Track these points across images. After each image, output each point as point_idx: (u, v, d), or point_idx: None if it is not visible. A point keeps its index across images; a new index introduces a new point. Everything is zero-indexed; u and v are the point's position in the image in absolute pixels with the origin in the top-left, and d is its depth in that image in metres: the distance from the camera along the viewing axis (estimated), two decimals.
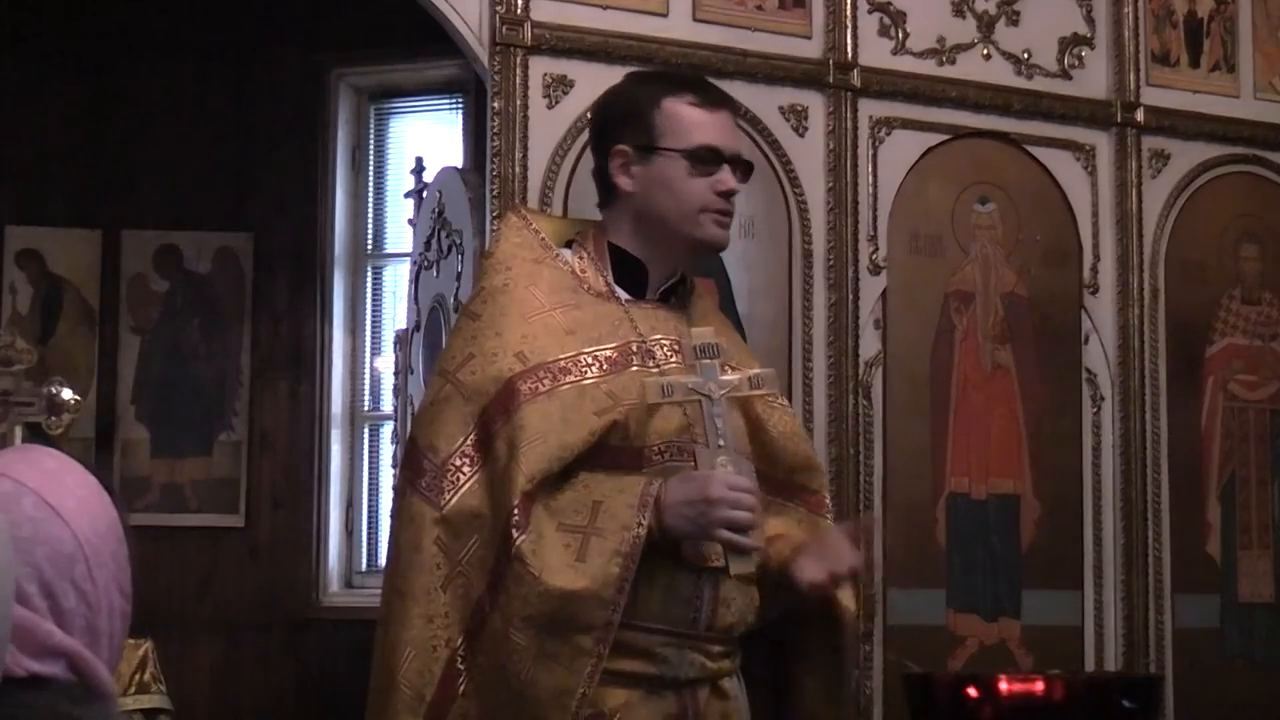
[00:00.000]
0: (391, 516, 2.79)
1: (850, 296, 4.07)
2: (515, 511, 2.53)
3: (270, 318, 6.21)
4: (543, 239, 2.84)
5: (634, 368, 2.70)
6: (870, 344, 4.10)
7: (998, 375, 4.25)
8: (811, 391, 4.01)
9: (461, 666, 2.60)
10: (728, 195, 2.81)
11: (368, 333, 6.27)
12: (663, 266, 2.84)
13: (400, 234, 6.03)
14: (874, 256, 4.13)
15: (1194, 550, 4.42)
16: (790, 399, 3.98)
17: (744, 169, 2.87)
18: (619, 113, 2.85)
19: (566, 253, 2.84)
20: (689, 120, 2.78)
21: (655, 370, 2.70)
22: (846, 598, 2.83)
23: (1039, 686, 3.50)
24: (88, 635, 1.37)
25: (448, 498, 2.63)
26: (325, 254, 6.20)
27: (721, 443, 2.66)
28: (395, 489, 2.80)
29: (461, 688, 2.60)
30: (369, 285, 6.30)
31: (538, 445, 2.57)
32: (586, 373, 2.66)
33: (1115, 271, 4.38)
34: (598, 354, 2.68)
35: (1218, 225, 4.54)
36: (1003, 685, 3.43)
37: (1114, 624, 4.28)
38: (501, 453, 2.59)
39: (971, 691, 3.39)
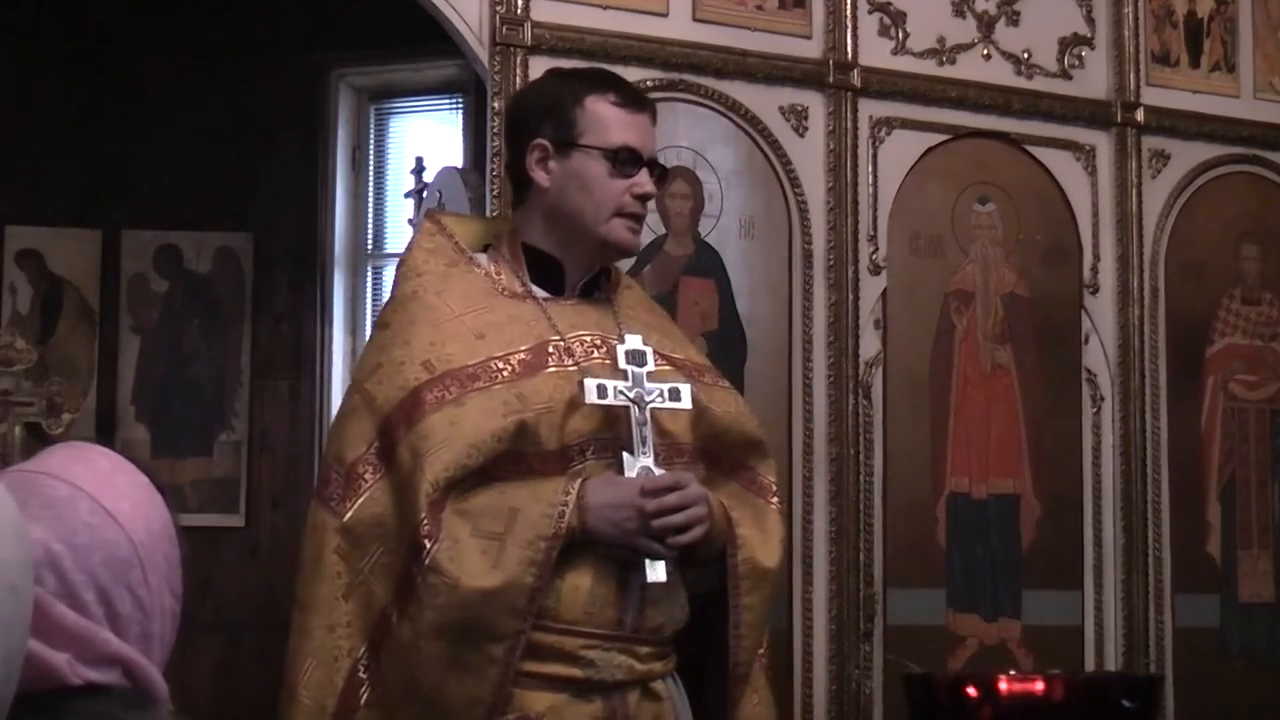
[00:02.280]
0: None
1: (850, 296, 4.07)
2: (424, 521, 2.50)
3: (270, 318, 6.21)
4: (456, 244, 2.79)
5: (550, 368, 2.65)
6: (870, 344, 4.10)
7: (998, 375, 4.25)
8: (811, 391, 4.01)
9: (364, 676, 2.57)
10: (644, 199, 2.76)
11: (368, 333, 6.26)
12: (578, 262, 2.79)
13: (400, 234, 6.03)
14: (874, 256, 4.13)
15: (1194, 550, 4.42)
16: (790, 399, 3.99)
17: (660, 173, 2.82)
18: (539, 107, 2.80)
19: (482, 257, 2.80)
20: (611, 119, 2.74)
21: (574, 367, 2.66)
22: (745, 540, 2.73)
23: (1039, 686, 3.50)
24: (142, 640, 1.36)
25: (348, 506, 2.59)
26: (325, 254, 6.20)
27: (645, 450, 2.62)
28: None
29: (364, 697, 2.57)
30: (369, 285, 6.30)
31: (443, 452, 2.53)
32: (497, 377, 2.61)
33: (1115, 271, 4.38)
34: (509, 357, 2.64)
35: (1218, 225, 4.54)
36: (1003, 685, 3.42)
37: (1114, 624, 4.28)
38: (405, 460, 2.55)
39: (971, 691, 3.39)
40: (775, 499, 2.85)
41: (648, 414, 2.64)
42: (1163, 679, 4.18)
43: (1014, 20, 4.33)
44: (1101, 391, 4.34)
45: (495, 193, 3.74)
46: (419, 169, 5.47)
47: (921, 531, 4.12)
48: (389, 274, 6.27)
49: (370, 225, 6.32)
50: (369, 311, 6.28)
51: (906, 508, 4.11)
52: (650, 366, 2.68)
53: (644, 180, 2.74)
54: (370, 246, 6.33)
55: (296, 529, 5.99)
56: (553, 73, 3.08)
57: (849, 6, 4.11)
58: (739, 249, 4.00)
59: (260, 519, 6.11)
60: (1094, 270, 4.37)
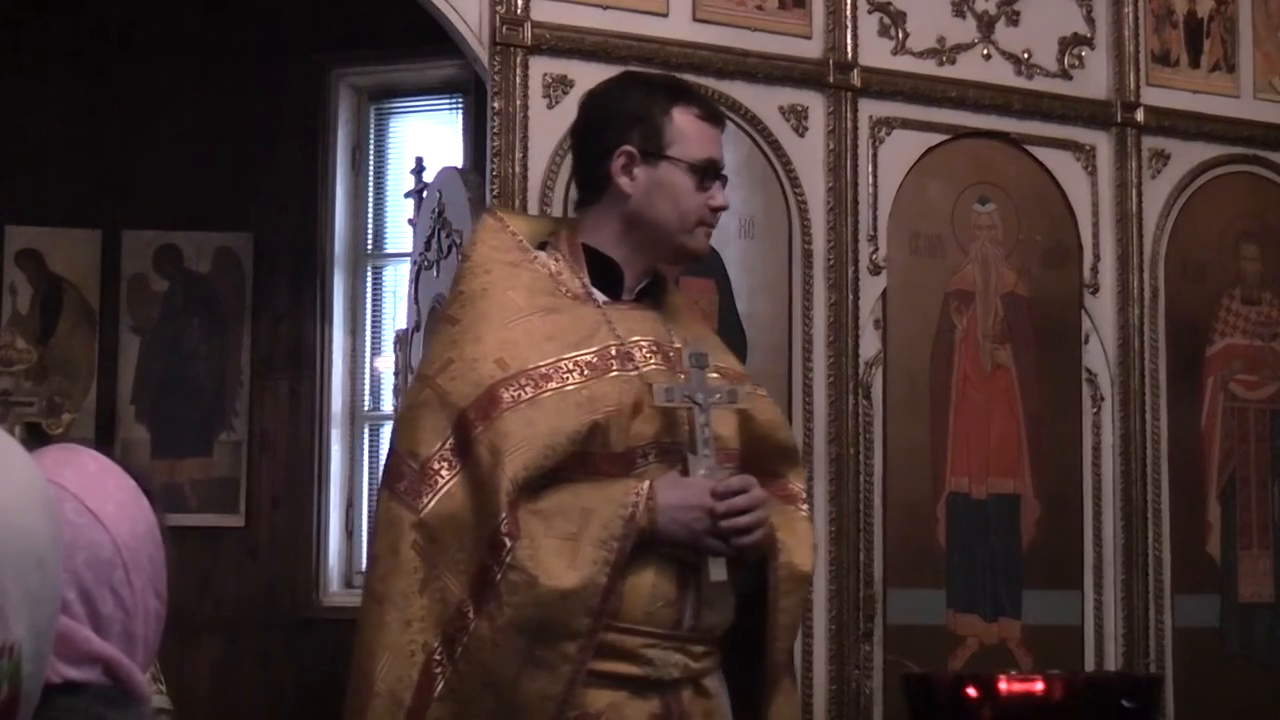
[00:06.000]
0: (371, 521, 2.80)
1: (850, 296, 4.07)
2: (504, 520, 2.54)
3: (270, 318, 6.21)
4: (520, 241, 2.83)
5: (613, 372, 2.70)
6: (870, 344, 4.10)
7: (998, 375, 4.25)
8: (811, 391, 4.01)
9: (438, 671, 2.61)
10: (718, 211, 2.85)
11: (368, 333, 6.27)
12: (639, 268, 2.85)
13: (400, 234, 6.03)
14: (874, 256, 4.13)
15: (1194, 550, 4.42)
16: (790, 399, 3.99)
17: (724, 183, 2.92)
18: (626, 114, 2.84)
19: (543, 255, 2.83)
20: (696, 133, 2.81)
21: (634, 373, 2.71)
22: (787, 542, 2.79)
23: (1039, 686, 3.50)
24: (124, 640, 1.38)
25: (425, 502, 2.63)
26: (325, 254, 6.20)
27: (707, 451, 2.68)
28: (376, 494, 2.80)
29: (437, 691, 2.61)
30: (369, 285, 6.30)
31: (523, 451, 2.58)
32: (568, 379, 2.66)
33: (1115, 271, 4.38)
34: (578, 359, 2.69)
35: (1218, 225, 4.55)
36: (1003, 685, 3.43)
37: (1114, 624, 4.28)
38: (484, 459, 2.58)
39: (971, 691, 3.39)
40: (805, 506, 2.93)
41: (709, 415, 2.69)
42: (1163, 679, 4.18)
43: (1014, 20, 4.33)
44: (1101, 391, 4.34)
45: (495, 192, 3.74)
46: (419, 169, 5.46)
47: (921, 531, 4.12)
48: (389, 274, 6.28)
49: (370, 225, 6.32)
50: (369, 311, 6.28)
51: (906, 508, 4.11)
52: (711, 368, 2.75)
53: (718, 193, 2.84)
54: (370, 246, 6.33)
55: (296, 529, 6.06)
56: (631, 78, 3.12)
57: (849, 6, 4.11)
58: (739, 249, 4.00)
59: (260, 519, 6.11)
60: (1094, 270, 4.37)
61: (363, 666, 2.66)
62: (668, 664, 2.65)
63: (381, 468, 2.80)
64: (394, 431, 2.80)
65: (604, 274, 2.82)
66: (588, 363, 2.69)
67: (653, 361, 2.75)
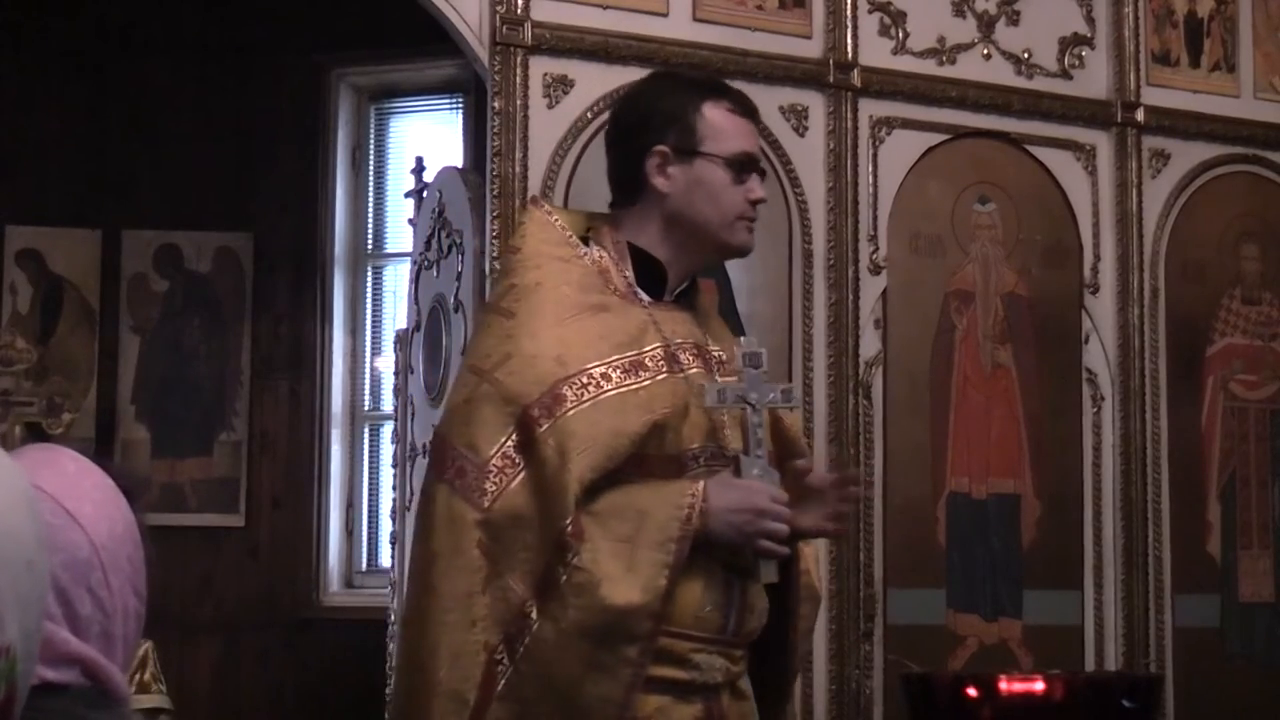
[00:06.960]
0: (420, 513, 2.74)
1: (850, 296, 4.07)
2: (571, 522, 2.53)
3: (270, 318, 6.21)
4: (569, 236, 2.82)
5: (664, 374, 2.70)
6: (870, 344, 4.11)
7: (998, 375, 4.25)
8: (811, 391, 4.01)
9: (499, 670, 2.59)
10: (757, 203, 2.82)
11: (368, 333, 6.27)
12: (682, 269, 2.83)
13: (400, 234, 6.03)
14: (874, 256, 4.13)
15: (1194, 550, 4.42)
16: None
17: (762, 176, 2.90)
18: (658, 113, 2.82)
19: (591, 250, 2.83)
20: (729, 127, 2.79)
21: (680, 375, 2.71)
22: (807, 560, 2.84)
23: (1039, 686, 3.51)
24: (102, 640, 1.38)
25: (490, 499, 2.59)
26: (325, 254, 6.20)
27: (760, 453, 2.68)
28: (424, 486, 2.74)
29: (498, 690, 2.59)
30: (369, 285, 6.30)
31: (589, 453, 2.56)
32: (626, 380, 2.65)
33: (1115, 271, 4.38)
34: (633, 360, 2.69)
35: (1218, 225, 4.55)
36: (1003, 685, 3.43)
37: (1114, 624, 4.29)
38: (551, 459, 2.56)
39: (971, 691, 3.40)
40: None
41: (763, 415, 2.69)
42: (1163, 679, 4.18)
43: (1014, 20, 4.34)
44: (1101, 391, 4.34)
45: (495, 193, 3.74)
46: (419, 169, 5.46)
47: (921, 531, 4.12)
48: (389, 274, 6.28)
49: (370, 225, 6.33)
50: (369, 311, 6.28)
51: (906, 508, 4.11)
52: (765, 368, 2.74)
53: (756, 185, 2.81)
54: (370, 246, 6.33)
55: (296, 529, 6.06)
56: (661, 77, 3.12)
57: (849, 6, 4.11)
58: None
59: (260, 519, 6.12)
60: (1094, 270, 4.37)
61: (422, 664, 2.62)
62: (712, 668, 2.66)
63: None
64: (445, 424, 2.72)
65: (648, 273, 2.81)
66: (641, 364, 2.69)
67: (695, 365, 2.75)
